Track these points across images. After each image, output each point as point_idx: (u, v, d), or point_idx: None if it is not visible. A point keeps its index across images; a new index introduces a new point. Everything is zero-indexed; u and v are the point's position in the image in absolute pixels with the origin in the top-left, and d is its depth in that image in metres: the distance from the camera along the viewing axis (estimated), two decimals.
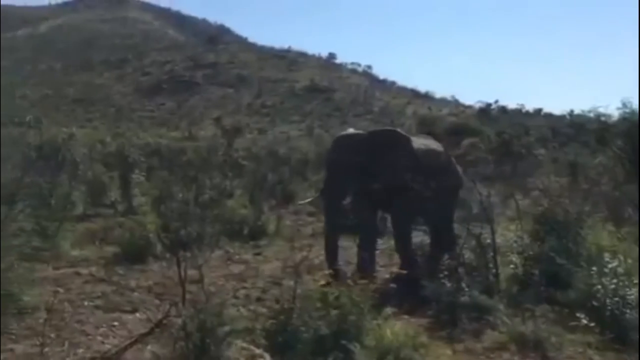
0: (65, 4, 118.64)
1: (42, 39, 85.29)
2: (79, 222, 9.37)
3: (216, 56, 71.24)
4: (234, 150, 20.01)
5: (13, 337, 4.67)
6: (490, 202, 7.15)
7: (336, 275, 5.12)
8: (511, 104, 55.43)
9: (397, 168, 6.47)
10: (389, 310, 5.42)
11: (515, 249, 6.36)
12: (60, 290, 5.96)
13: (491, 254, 5.96)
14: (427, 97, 71.30)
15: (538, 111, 55.46)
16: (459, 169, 7.53)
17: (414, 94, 70.92)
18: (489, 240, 6.06)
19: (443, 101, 69.73)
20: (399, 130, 7.05)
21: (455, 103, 67.72)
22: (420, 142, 7.07)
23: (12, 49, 77.90)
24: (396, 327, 4.60)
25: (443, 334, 4.96)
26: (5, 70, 64.26)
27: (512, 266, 6.10)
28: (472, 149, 20.61)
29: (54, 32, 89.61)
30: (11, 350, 4.40)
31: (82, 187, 10.97)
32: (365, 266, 6.28)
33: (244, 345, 3.82)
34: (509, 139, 21.71)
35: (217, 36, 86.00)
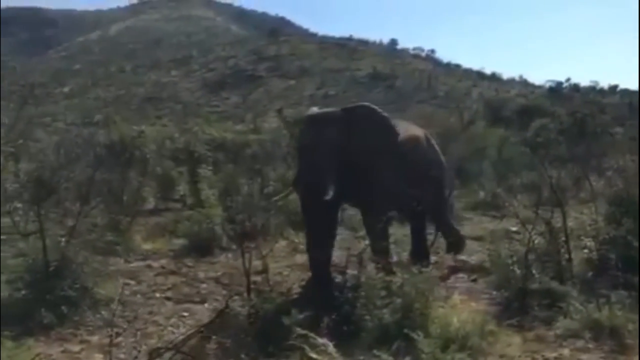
0: (132, 6, 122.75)
1: (112, 41, 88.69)
2: (150, 217, 9.68)
3: (278, 49, 71.76)
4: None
5: (90, 328, 4.88)
6: (561, 184, 6.89)
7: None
8: (584, 82, 52.94)
9: (377, 146, 5.70)
10: (456, 297, 5.35)
11: (589, 232, 6.09)
12: (133, 282, 6.20)
13: (563, 238, 5.73)
14: (493, 78, 69.35)
15: (613, 88, 52.75)
16: (441, 156, 7.04)
17: (480, 76, 69.16)
18: (560, 224, 5.84)
19: (511, 82, 67.62)
20: (373, 106, 6.09)
21: (524, 83, 65.58)
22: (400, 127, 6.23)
23: (85, 51, 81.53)
24: (463, 315, 4.51)
25: (513, 322, 4.81)
26: (78, 74, 67.27)
27: (585, 250, 5.85)
28: (542, 130, 19.82)
29: (123, 34, 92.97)
30: (87, 341, 4.61)
31: (152, 183, 11.31)
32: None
33: (308, 334, 3.83)
34: (582, 118, 20.77)
35: (278, 29, 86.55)
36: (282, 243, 7.74)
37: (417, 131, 6.73)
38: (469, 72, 73.31)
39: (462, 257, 7.17)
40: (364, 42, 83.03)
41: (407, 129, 6.47)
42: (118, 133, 11.06)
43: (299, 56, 69.68)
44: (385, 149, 5.78)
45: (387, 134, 5.86)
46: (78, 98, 55.43)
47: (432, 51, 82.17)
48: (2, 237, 6.84)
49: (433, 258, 6.88)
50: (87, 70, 68.60)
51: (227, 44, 79.34)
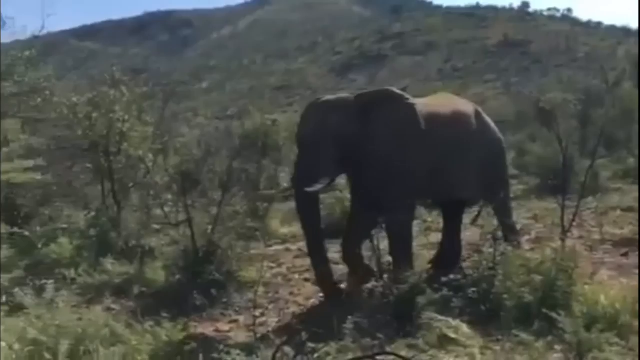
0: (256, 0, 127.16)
1: (242, 35, 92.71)
2: (286, 202, 10.04)
3: (402, 26, 71.00)
4: None
5: (237, 309, 5.23)
6: None
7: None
8: None
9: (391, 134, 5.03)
10: (603, 274, 5.02)
11: None
12: (273, 265, 6.53)
13: None
14: None
15: None
16: (497, 131, 5.93)
17: (626, 33, 63.39)
18: None
19: None
20: (393, 89, 5.40)
21: None
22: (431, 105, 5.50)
23: (219, 48, 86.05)
24: (612, 292, 4.23)
25: None
26: (214, 69, 71.09)
27: None
28: None
29: (251, 28, 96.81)
30: (236, 321, 4.94)
31: (286, 169, 11.72)
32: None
33: (436, 317, 3.83)
34: None
35: (401, 6, 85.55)
36: (415, 222, 7.69)
37: (461, 108, 5.74)
38: (612, 30, 67.43)
39: (612, 230, 6.72)
40: (492, 9, 79.38)
41: (448, 105, 5.66)
42: (252, 123, 11.61)
43: (423, 31, 68.35)
44: (404, 139, 5.09)
45: (407, 123, 5.13)
46: (216, 92, 58.80)
47: (569, 10, 76.99)
48: (156, 227, 7.49)
49: (576, 233, 6.49)
50: (222, 66, 72.45)
51: (351, 26, 79.83)
